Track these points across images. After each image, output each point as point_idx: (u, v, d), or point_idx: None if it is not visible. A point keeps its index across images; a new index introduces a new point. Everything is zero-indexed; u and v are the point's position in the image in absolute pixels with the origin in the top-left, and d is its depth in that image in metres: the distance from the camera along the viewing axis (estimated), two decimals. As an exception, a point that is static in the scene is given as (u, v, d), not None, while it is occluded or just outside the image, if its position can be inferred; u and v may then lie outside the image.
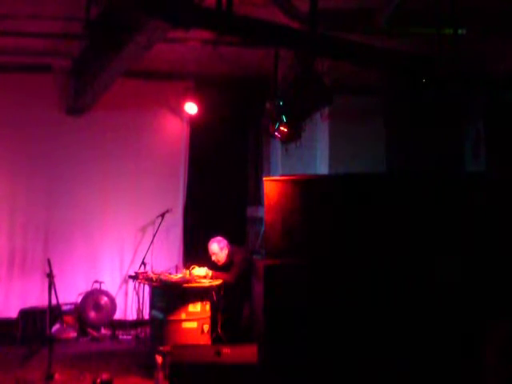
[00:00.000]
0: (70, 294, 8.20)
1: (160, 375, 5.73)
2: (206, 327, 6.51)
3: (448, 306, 5.11)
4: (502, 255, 5.16)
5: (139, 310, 7.89)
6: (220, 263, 7.14)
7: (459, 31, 5.55)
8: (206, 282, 6.70)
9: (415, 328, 5.12)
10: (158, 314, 6.55)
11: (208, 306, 6.59)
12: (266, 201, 5.54)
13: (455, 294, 5.11)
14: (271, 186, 5.56)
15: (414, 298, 5.13)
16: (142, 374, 6.37)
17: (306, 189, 5.47)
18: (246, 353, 5.37)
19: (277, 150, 8.56)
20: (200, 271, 6.86)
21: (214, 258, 7.15)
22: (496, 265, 5.12)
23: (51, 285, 6.30)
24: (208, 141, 8.79)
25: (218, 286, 6.76)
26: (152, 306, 6.91)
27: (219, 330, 6.75)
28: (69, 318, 8.08)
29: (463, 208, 5.23)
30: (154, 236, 8.19)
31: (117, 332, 8.18)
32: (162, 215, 8.23)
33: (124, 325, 8.35)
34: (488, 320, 4.99)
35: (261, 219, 8.25)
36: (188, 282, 6.58)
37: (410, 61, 5.40)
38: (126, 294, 8.52)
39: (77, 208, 8.48)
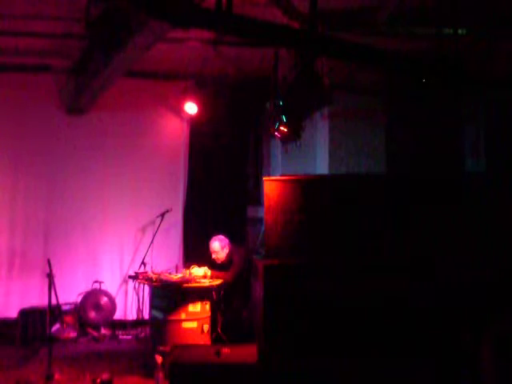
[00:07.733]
0: (69, 293, 8.20)
1: (160, 375, 5.73)
2: (206, 327, 6.51)
3: (447, 306, 5.11)
4: (501, 254, 5.16)
5: (139, 310, 7.89)
6: (219, 261, 7.16)
7: (459, 31, 5.55)
8: (206, 282, 6.70)
9: (415, 327, 5.12)
10: (158, 314, 6.55)
11: (208, 306, 6.59)
12: (265, 201, 5.53)
13: (453, 294, 5.11)
14: (271, 186, 5.55)
15: (414, 298, 5.13)
16: (142, 374, 6.37)
17: (306, 189, 5.47)
18: (246, 353, 5.37)
19: (277, 150, 8.56)
20: (199, 271, 6.87)
21: (214, 255, 7.18)
22: (495, 264, 5.12)
23: (51, 285, 6.30)
24: (208, 141, 8.78)
25: (218, 286, 6.77)
26: (152, 306, 6.91)
27: (219, 330, 6.75)
28: (69, 318, 8.08)
29: (463, 208, 5.23)
30: (154, 236, 8.19)
31: (117, 332, 8.18)
32: (162, 215, 8.23)
33: (124, 325, 8.35)
34: (485, 320, 4.99)
35: (261, 219, 8.24)
36: (188, 281, 6.58)
37: (410, 61, 5.39)
38: (126, 293, 8.52)
39: (77, 208, 8.49)
